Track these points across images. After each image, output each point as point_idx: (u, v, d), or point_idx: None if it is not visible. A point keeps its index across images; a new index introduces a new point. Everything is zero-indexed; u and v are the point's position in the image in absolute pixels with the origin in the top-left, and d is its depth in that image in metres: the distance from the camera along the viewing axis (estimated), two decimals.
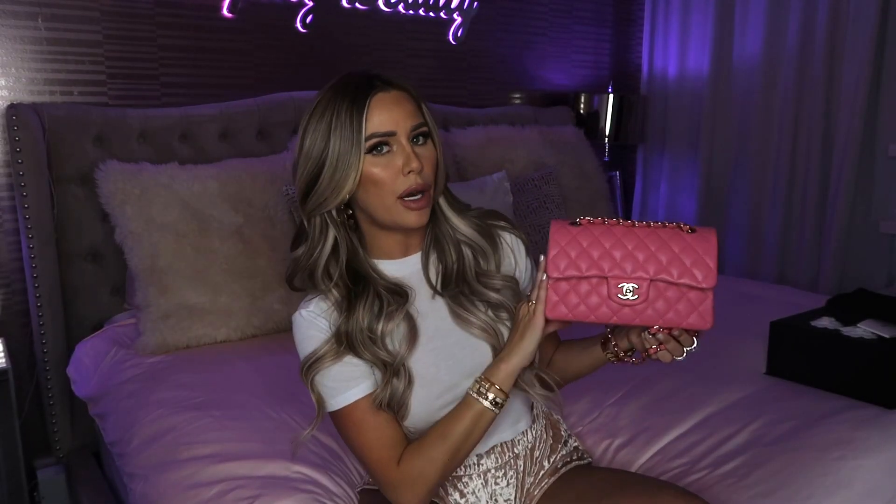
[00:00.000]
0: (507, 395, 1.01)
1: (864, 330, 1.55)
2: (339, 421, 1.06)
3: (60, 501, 2.07)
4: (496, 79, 3.03)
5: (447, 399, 1.07)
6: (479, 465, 1.14)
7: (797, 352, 1.60)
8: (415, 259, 1.11)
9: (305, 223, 1.06)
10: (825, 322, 1.62)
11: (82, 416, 1.99)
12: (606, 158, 3.24)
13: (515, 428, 1.16)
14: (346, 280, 1.05)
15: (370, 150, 0.99)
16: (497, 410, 1.01)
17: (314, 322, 1.05)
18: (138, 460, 1.48)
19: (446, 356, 1.08)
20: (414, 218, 1.01)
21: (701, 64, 3.27)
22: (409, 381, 1.04)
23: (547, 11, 3.17)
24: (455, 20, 2.85)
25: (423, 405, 1.06)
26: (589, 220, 1.01)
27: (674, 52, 3.37)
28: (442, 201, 1.09)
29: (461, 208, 1.12)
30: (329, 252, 1.05)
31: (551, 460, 1.19)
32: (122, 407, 1.65)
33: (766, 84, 3.04)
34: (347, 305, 1.04)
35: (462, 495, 1.14)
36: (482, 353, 1.09)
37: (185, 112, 2.17)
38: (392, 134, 0.99)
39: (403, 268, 1.10)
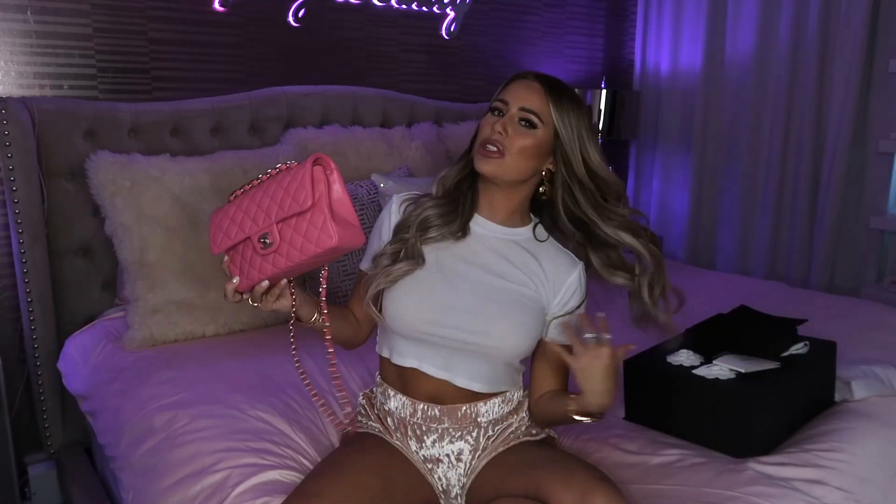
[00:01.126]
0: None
1: (721, 367, 1.37)
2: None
3: (51, 497, 2.07)
4: (489, 74, 3.03)
5: (428, 329, 1.21)
6: (439, 423, 1.24)
7: (651, 394, 1.44)
8: (499, 228, 1.29)
9: None
10: (682, 357, 1.44)
11: (73, 412, 1.98)
12: None
13: (488, 386, 1.25)
14: (452, 188, 1.28)
15: (490, 110, 1.25)
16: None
17: (392, 210, 1.31)
18: (127, 462, 1.48)
19: (460, 299, 1.22)
20: (479, 162, 1.22)
21: (693, 60, 3.28)
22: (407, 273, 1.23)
23: (540, 6, 3.16)
24: (448, 15, 2.85)
25: (407, 314, 1.22)
26: (235, 195, 1.16)
27: (666, 47, 3.38)
28: (563, 218, 1.27)
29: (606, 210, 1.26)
30: (458, 171, 1.29)
31: (507, 433, 1.27)
32: (111, 405, 1.64)
33: (757, 80, 3.05)
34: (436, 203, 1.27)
35: (421, 444, 1.25)
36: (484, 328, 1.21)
37: (176, 106, 2.16)
38: (505, 103, 1.23)
39: (491, 229, 1.29)
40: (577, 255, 1.29)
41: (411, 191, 1.36)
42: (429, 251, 1.25)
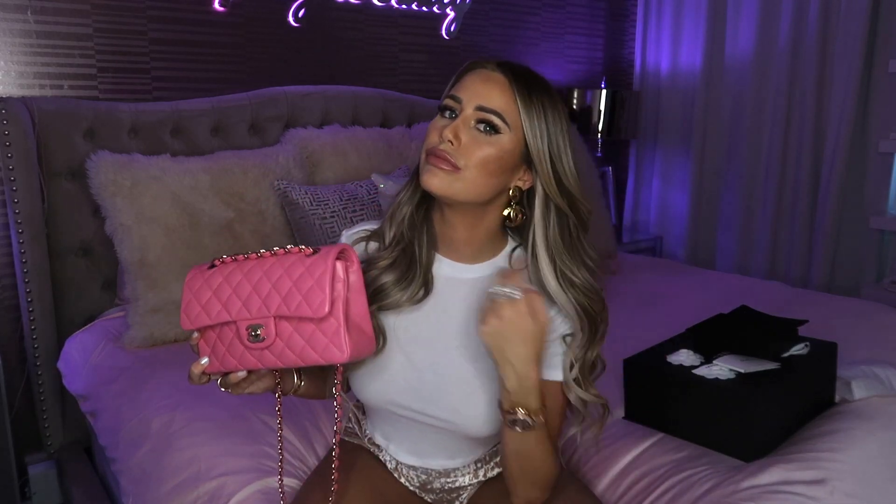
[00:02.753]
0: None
1: (721, 367, 1.35)
2: None
3: (51, 497, 2.06)
4: None
5: (391, 408, 1.07)
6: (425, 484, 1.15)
7: (651, 394, 1.40)
8: (462, 267, 1.07)
9: None
10: (682, 357, 1.41)
11: (73, 412, 1.98)
12: (599, 154, 3.24)
13: (471, 458, 1.14)
14: (406, 228, 1.05)
15: (440, 109, 1.01)
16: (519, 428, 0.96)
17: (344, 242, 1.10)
18: (126, 465, 1.48)
19: (421, 379, 1.04)
20: (427, 177, 0.97)
21: (693, 60, 3.28)
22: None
23: (540, 7, 3.16)
24: (448, 15, 2.84)
25: (366, 393, 1.07)
26: (222, 260, 0.95)
27: (666, 47, 3.38)
28: (543, 252, 1.00)
29: (569, 274, 1.01)
30: (409, 196, 1.06)
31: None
32: (111, 406, 1.64)
33: (757, 80, 3.05)
34: (386, 253, 1.05)
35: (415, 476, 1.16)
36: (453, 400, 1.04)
37: (176, 106, 2.16)
38: (458, 100, 0.98)
39: (453, 271, 1.07)
40: None
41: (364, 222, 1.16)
42: (386, 316, 1.05)
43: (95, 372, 1.78)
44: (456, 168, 0.96)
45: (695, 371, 1.37)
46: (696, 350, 1.45)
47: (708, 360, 1.41)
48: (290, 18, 2.45)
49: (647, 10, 3.43)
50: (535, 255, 1.01)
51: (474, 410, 1.02)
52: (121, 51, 2.15)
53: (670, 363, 1.42)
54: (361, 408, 1.22)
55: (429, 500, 1.18)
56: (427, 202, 1.06)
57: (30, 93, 2.02)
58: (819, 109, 2.87)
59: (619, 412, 1.47)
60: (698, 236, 3.34)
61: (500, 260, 1.07)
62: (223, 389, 0.98)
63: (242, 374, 0.95)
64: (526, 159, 1.01)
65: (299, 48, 2.49)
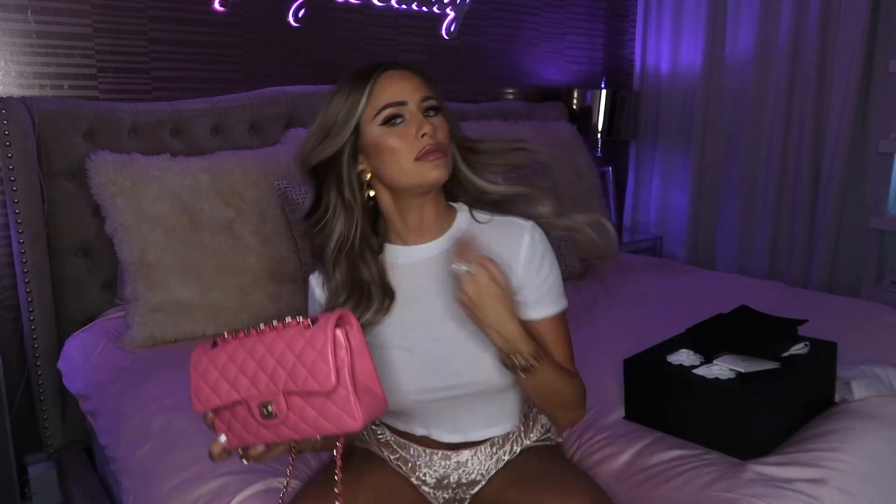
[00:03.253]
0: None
1: (721, 367, 1.36)
2: None
3: (52, 497, 2.06)
4: (489, 74, 3.03)
5: (420, 398, 1.12)
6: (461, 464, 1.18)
7: (651, 394, 1.41)
8: (432, 246, 1.14)
9: (317, 196, 1.13)
10: (682, 356, 1.42)
11: (73, 412, 1.98)
12: (599, 154, 3.24)
13: (511, 422, 1.20)
14: (349, 263, 1.11)
15: (385, 122, 1.06)
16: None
17: (314, 291, 1.17)
18: (126, 465, 1.48)
19: (429, 359, 1.11)
20: (434, 171, 1.05)
21: (693, 59, 3.29)
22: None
23: (540, 7, 3.16)
24: (448, 15, 2.84)
25: (392, 397, 1.09)
26: (224, 337, 0.95)
27: (666, 47, 3.38)
28: (468, 174, 1.14)
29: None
30: (339, 232, 1.10)
31: (522, 445, 1.23)
32: (111, 406, 1.64)
33: (758, 80, 3.05)
34: (339, 291, 1.12)
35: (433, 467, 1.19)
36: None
37: (176, 106, 2.16)
38: (403, 104, 1.06)
39: (421, 253, 1.14)
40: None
41: None
42: (368, 333, 1.11)
43: (95, 372, 1.78)
44: (444, 151, 1.07)
45: (695, 371, 1.37)
46: (696, 350, 1.45)
47: (708, 359, 1.41)
48: (290, 18, 2.45)
49: (647, 10, 3.43)
50: (461, 183, 1.14)
51: (487, 362, 1.09)
52: (121, 51, 2.15)
53: (670, 363, 1.42)
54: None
55: (440, 501, 1.19)
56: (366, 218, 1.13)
57: (30, 93, 2.02)
58: (819, 109, 2.87)
59: (620, 412, 1.47)
60: (698, 236, 3.35)
61: (461, 222, 1.15)
62: (246, 462, 0.99)
63: (261, 447, 0.97)
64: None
65: (299, 48, 2.49)
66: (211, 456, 0.98)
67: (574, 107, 3.19)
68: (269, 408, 0.92)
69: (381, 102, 1.07)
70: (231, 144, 2.23)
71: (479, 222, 1.15)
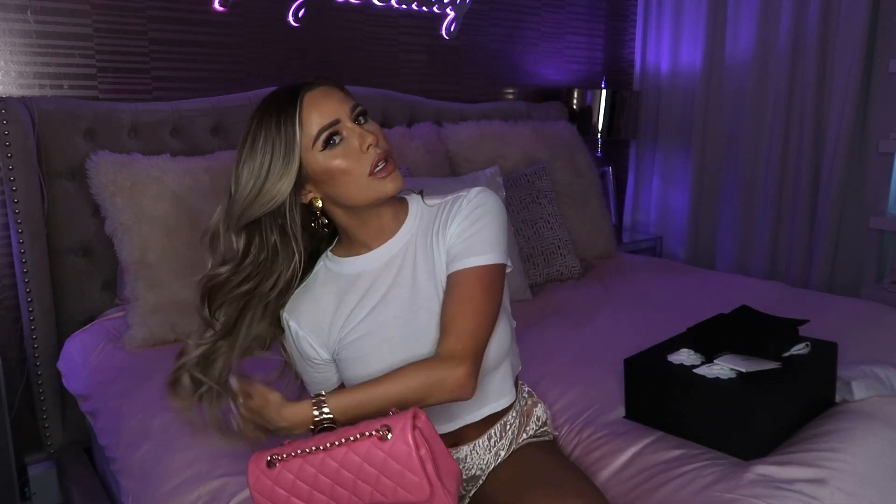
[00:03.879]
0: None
1: (722, 366, 1.35)
2: None
3: (51, 497, 2.06)
4: (489, 74, 3.03)
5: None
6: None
7: (652, 393, 1.41)
8: (393, 243, 1.14)
9: (248, 244, 1.08)
10: (683, 356, 1.42)
11: (73, 412, 1.98)
12: (599, 154, 3.24)
13: (504, 397, 1.19)
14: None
15: (324, 147, 1.03)
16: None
17: (296, 332, 1.18)
18: (126, 465, 1.48)
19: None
20: (391, 184, 1.04)
21: (693, 59, 3.28)
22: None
23: (540, 6, 3.16)
24: (448, 15, 2.84)
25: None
26: (280, 459, 0.91)
27: (666, 47, 3.38)
28: None
29: None
30: (278, 273, 1.10)
31: (519, 439, 1.24)
32: (111, 406, 1.64)
33: (758, 80, 3.05)
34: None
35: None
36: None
37: (176, 106, 2.16)
38: (337, 122, 1.03)
39: (386, 252, 1.14)
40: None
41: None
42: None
43: (95, 372, 1.78)
44: (391, 158, 1.06)
45: (695, 370, 1.37)
46: (696, 349, 1.45)
47: (708, 359, 1.41)
48: (290, 18, 2.45)
49: (647, 10, 3.43)
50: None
51: None
52: (121, 51, 2.15)
53: (671, 363, 1.42)
54: None
55: None
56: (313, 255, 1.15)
57: (30, 93, 2.02)
58: (819, 109, 2.87)
59: (620, 411, 1.47)
60: (698, 236, 3.35)
61: (415, 211, 1.14)
62: None
63: None
64: None
65: (299, 48, 2.49)
66: None
67: (574, 107, 3.19)
68: None
69: (314, 128, 1.02)
70: (231, 144, 2.23)
71: (429, 206, 1.15)
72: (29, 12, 1.99)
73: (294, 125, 1.02)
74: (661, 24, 3.39)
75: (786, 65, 2.92)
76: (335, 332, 1.13)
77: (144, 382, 1.63)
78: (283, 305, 1.14)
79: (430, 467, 0.87)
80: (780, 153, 2.98)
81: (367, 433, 0.88)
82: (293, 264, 1.09)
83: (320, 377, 1.19)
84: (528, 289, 2.29)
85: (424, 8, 2.77)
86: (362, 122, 1.06)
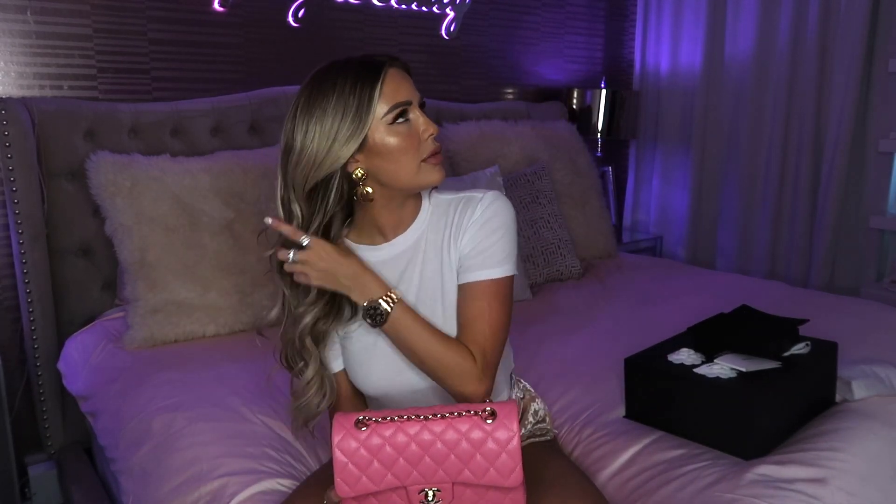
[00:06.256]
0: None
1: (722, 366, 1.36)
2: None
3: (51, 497, 2.06)
4: (489, 74, 3.03)
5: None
6: None
7: (652, 393, 1.41)
8: (408, 235, 1.15)
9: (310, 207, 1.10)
10: (683, 356, 1.42)
11: (73, 412, 1.98)
12: (599, 153, 3.24)
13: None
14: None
15: (393, 121, 1.05)
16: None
17: None
18: (126, 465, 1.48)
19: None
20: (438, 174, 1.08)
21: (693, 59, 3.28)
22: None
23: (540, 6, 3.16)
24: (448, 15, 2.84)
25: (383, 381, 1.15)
26: (375, 420, 0.91)
27: (666, 47, 3.38)
28: None
29: None
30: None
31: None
32: (111, 406, 1.64)
33: (757, 80, 3.05)
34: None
35: None
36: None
37: (176, 107, 2.16)
38: (409, 103, 1.06)
39: (399, 244, 1.15)
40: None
41: None
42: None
43: (95, 372, 1.78)
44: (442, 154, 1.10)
45: (696, 370, 1.37)
46: (696, 349, 1.45)
47: (709, 359, 1.41)
48: (290, 18, 2.45)
49: (646, 10, 3.43)
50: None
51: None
52: (120, 51, 2.15)
53: (671, 362, 1.42)
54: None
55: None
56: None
57: (30, 93, 2.02)
58: (819, 109, 2.87)
59: (620, 411, 1.48)
60: (698, 236, 3.35)
61: (426, 205, 1.16)
62: None
63: None
64: None
65: (299, 48, 2.49)
66: None
67: (574, 107, 3.19)
68: (432, 495, 0.90)
69: (390, 101, 1.04)
70: (231, 145, 2.23)
71: (442, 200, 1.17)
72: (29, 13, 1.99)
73: (374, 92, 1.03)
74: (660, 23, 3.39)
75: (786, 64, 2.92)
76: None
77: (145, 383, 1.63)
78: None
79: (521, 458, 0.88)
80: (780, 153, 2.98)
81: (471, 412, 0.89)
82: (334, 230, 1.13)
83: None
84: (528, 289, 2.29)
85: (424, 8, 2.77)
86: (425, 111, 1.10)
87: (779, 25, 2.95)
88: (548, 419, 1.32)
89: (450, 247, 1.12)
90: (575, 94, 3.21)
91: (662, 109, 3.44)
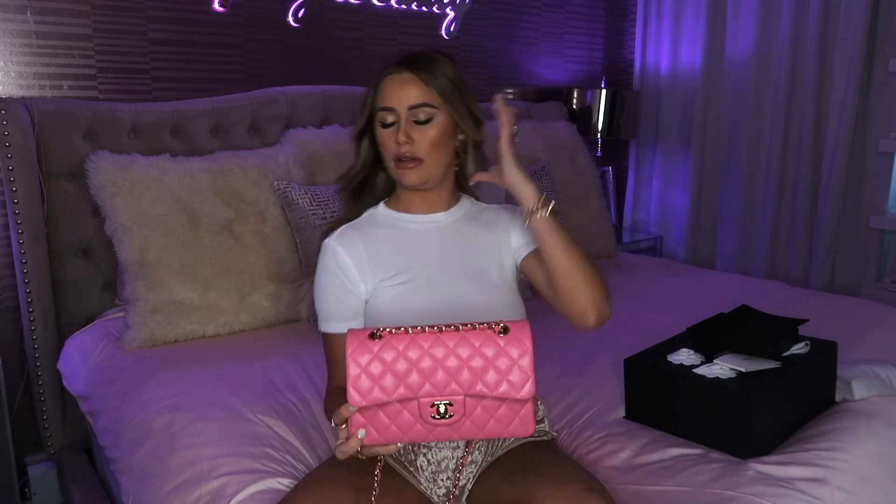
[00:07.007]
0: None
1: (722, 366, 1.36)
2: (323, 340, 1.25)
3: (51, 497, 2.06)
4: (489, 74, 3.03)
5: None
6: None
7: (652, 393, 1.41)
8: (435, 216, 1.28)
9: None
10: (682, 356, 1.43)
11: (73, 412, 1.98)
12: (599, 153, 3.24)
13: None
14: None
15: (381, 124, 1.21)
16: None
17: (335, 252, 1.22)
18: (126, 465, 1.48)
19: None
20: (404, 177, 1.20)
21: (693, 59, 3.29)
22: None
23: (540, 6, 3.16)
24: (448, 15, 2.84)
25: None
26: (390, 331, 0.92)
27: (666, 47, 3.38)
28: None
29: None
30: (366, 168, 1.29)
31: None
32: (111, 406, 1.64)
33: (757, 79, 3.05)
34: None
35: (428, 461, 1.20)
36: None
37: (176, 107, 2.16)
38: (391, 109, 1.19)
39: (433, 219, 1.28)
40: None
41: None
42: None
43: (95, 372, 1.78)
44: (419, 160, 1.19)
45: (695, 370, 1.37)
46: (696, 349, 1.45)
47: (708, 359, 1.41)
48: (290, 18, 2.45)
49: (646, 10, 3.43)
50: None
51: (495, 311, 1.20)
52: (120, 51, 2.15)
53: (671, 362, 1.42)
54: None
55: (437, 498, 1.19)
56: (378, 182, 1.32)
57: (29, 93, 2.02)
58: (819, 109, 2.87)
59: (620, 411, 1.47)
60: (698, 236, 3.35)
61: (465, 204, 1.31)
62: (363, 458, 1.00)
63: (399, 445, 0.98)
64: (456, 122, 1.24)
65: (299, 48, 2.49)
66: (342, 452, 0.96)
67: (574, 106, 3.19)
68: (445, 409, 0.91)
69: (379, 103, 1.21)
70: (231, 144, 2.23)
71: (480, 204, 1.33)
72: (28, 13, 1.99)
73: (374, 89, 1.23)
74: (660, 23, 3.39)
75: (786, 64, 2.92)
76: (379, 274, 1.21)
77: (145, 383, 1.63)
78: (328, 234, 1.26)
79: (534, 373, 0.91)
80: (780, 153, 2.98)
81: (484, 325, 0.92)
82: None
83: (344, 306, 1.23)
84: (529, 288, 2.28)
85: (424, 8, 2.77)
86: (421, 120, 1.18)
87: (779, 25, 2.95)
88: (546, 421, 1.32)
89: (499, 236, 1.27)
90: (575, 94, 3.21)
91: (662, 109, 3.44)
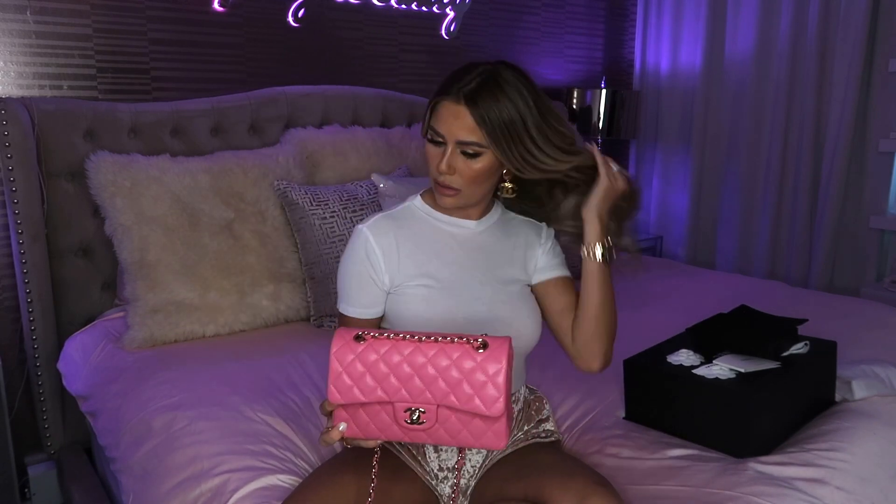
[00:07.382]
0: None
1: (721, 367, 1.36)
2: (338, 316, 1.27)
3: (51, 497, 2.06)
4: None
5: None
6: None
7: (652, 394, 1.42)
8: (468, 222, 1.28)
9: None
10: (682, 356, 1.43)
11: (73, 412, 1.98)
12: None
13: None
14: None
15: (430, 139, 1.20)
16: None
17: (367, 240, 1.22)
18: (126, 464, 1.48)
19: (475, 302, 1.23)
20: (441, 200, 1.22)
21: (693, 59, 3.28)
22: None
23: (540, 6, 3.16)
24: (448, 15, 2.84)
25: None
26: (373, 336, 0.96)
27: (666, 47, 3.38)
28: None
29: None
30: None
31: (517, 434, 1.25)
32: (111, 406, 1.64)
33: (757, 79, 3.05)
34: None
35: (437, 450, 1.21)
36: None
37: (175, 107, 2.16)
38: (440, 135, 1.18)
39: (467, 224, 1.29)
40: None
41: (395, 202, 1.32)
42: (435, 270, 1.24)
43: (95, 372, 1.78)
44: (456, 191, 1.19)
45: (695, 371, 1.37)
46: (696, 350, 1.45)
47: (708, 359, 1.41)
48: (290, 18, 2.45)
49: (646, 10, 3.43)
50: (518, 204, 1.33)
51: (518, 322, 1.23)
52: (120, 51, 2.15)
53: (670, 363, 1.42)
54: None
55: (445, 491, 1.20)
56: None
57: (29, 93, 2.02)
58: (819, 109, 2.87)
59: (620, 412, 1.47)
60: (698, 236, 3.35)
61: (495, 213, 1.32)
62: (348, 446, 1.07)
63: (376, 442, 1.03)
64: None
65: (299, 48, 2.49)
66: (323, 441, 1.02)
67: (574, 106, 3.19)
68: (418, 416, 0.95)
69: (431, 123, 1.20)
70: (231, 144, 2.23)
71: (509, 214, 1.34)
72: (28, 13, 1.99)
73: (430, 106, 1.21)
74: (660, 23, 3.39)
75: (786, 64, 2.92)
76: (404, 271, 1.22)
77: (145, 382, 1.63)
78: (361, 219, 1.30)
79: (509, 391, 0.92)
80: (780, 153, 2.98)
81: (464, 339, 0.94)
82: None
83: (363, 293, 1.23)
84: None
85: (424, 8, 2.77)
86: (467, 153, 1.16)
87: (779, 25, 2.95)
88: (552, 421, 1.32)
89: (525, 249, 1.31)
90: (575, 94, 3.21)
91: (662, 109, 3.44)
